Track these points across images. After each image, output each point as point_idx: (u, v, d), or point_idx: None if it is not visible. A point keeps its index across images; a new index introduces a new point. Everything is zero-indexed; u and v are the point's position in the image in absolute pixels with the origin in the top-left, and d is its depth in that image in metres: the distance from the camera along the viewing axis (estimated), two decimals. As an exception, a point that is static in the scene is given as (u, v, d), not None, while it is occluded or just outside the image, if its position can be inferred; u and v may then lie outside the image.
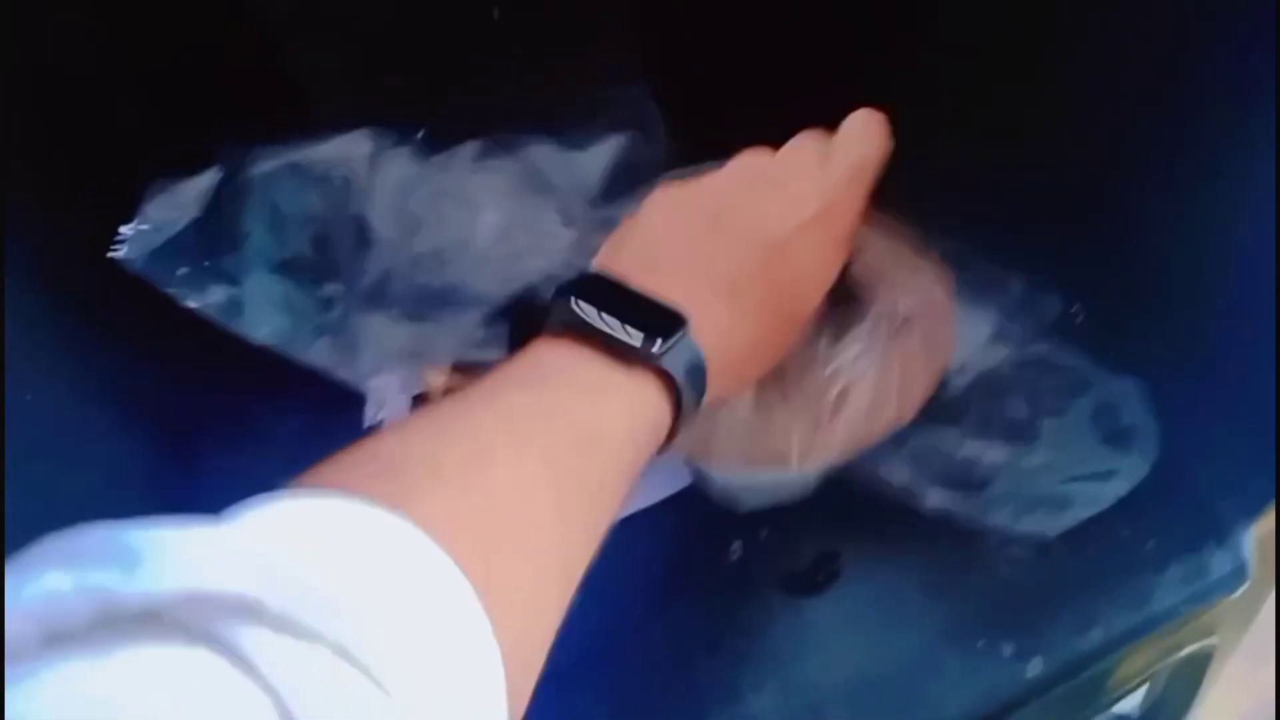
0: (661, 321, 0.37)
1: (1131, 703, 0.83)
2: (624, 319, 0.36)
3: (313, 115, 0.51)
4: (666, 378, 0.37)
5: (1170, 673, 0.63)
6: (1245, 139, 0.45)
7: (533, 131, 0.56)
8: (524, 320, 0.37)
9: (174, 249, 0.42)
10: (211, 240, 0.43)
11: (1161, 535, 0.47)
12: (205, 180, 0.43)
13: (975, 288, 0.52)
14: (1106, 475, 0.46)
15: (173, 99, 0.51)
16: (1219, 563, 0.46)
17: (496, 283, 0.54)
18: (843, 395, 0.47)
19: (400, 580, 0.24)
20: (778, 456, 0.47)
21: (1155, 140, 0.50)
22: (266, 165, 0.45)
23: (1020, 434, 0.49)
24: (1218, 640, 0.52)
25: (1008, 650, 0.44)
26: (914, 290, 0.51)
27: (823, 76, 0.60)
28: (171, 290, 0.44)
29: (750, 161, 0.44)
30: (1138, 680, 0.49)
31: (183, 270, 0.42)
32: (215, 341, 0.43)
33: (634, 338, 0.36)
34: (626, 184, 0.54)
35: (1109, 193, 0.53)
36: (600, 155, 0.56)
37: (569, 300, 0.37)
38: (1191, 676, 0.60)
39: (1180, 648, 0.50)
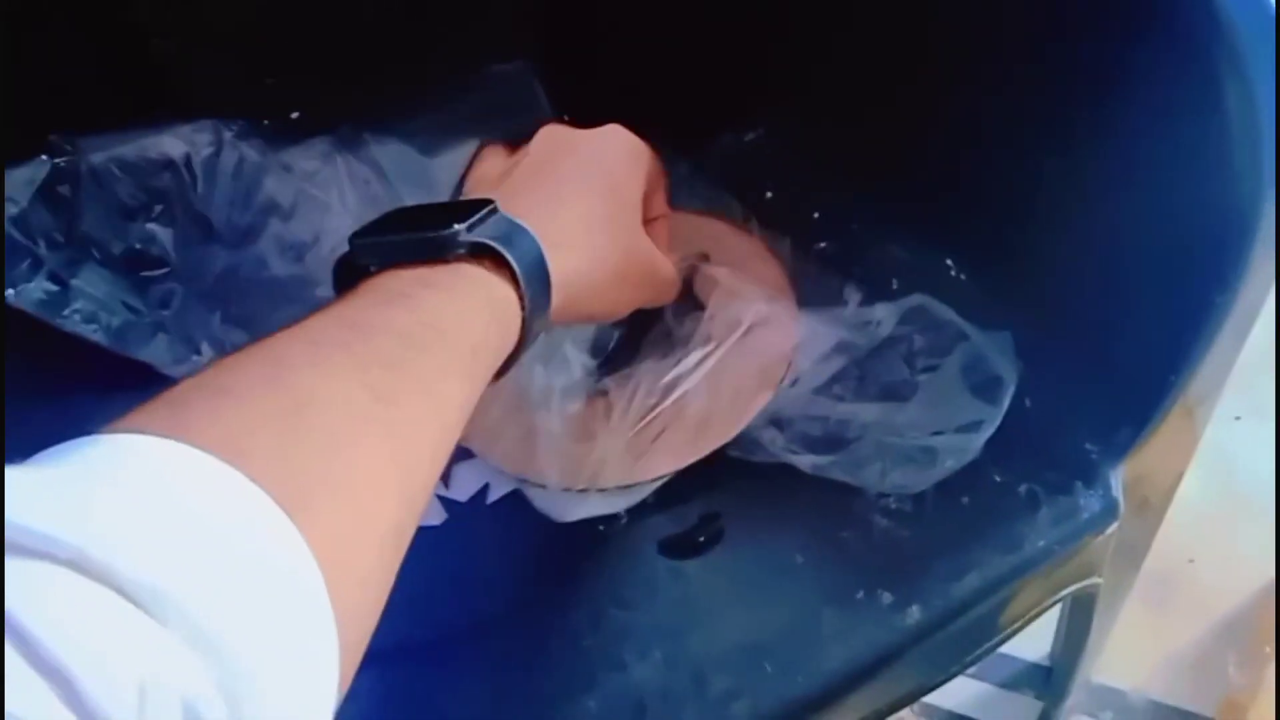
0: (462, 209, 0.36)
1: (1040, 649, 0.85)
2: (422, 226, 0.35)
3: (154, 102, 0.50)
4: (495, 258, 0.35)
5: (1068, 616, 0.64)
6: (1102, 117, 0.47)
7: (397, 119, 0.55)
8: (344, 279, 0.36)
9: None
10: (37, 233, 0.41)
11: (1033, 479, 0.47)
12: (32, 170, 0.42)
13: (818, 298, 0.52)
14: (972, 426, 0.47)
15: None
16: (1089, 503, 0.47)
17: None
18: (668, 413, 0.48)
19: (169, 495, 0.22)
20: (595, 475, 0.47)
21: (1023, 116, 0.51)
22: (101, 155, 0.44)
23: (897, 393, 0.50)
24: (1101, 581, 0.53)
25: (886, 600, 0.45)
26: (754, 301, 0.51)
27: (706, 57, 0.60)
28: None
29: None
30: (1023, 621, 0.49)
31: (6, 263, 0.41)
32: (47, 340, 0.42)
33: (436, 231, 0.35)
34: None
35: (984, 163, 0.54)
36: (455, 159, 0.55)
37: (363, 239, 0.36)
38: (1085, 617, 0.61)
39: (1063, 588, 0.50)
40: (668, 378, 0.48)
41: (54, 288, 0.42)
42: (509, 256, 0.35)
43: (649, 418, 0.48)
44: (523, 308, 0.36)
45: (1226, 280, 0.42)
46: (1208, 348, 0.44)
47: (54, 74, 0.46)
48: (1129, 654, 0.88)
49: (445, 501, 0.53)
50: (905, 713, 0.88)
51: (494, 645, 0.47)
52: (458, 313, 0.33)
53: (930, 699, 0.88)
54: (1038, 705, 0.85)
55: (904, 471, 0.47)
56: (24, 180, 0.41)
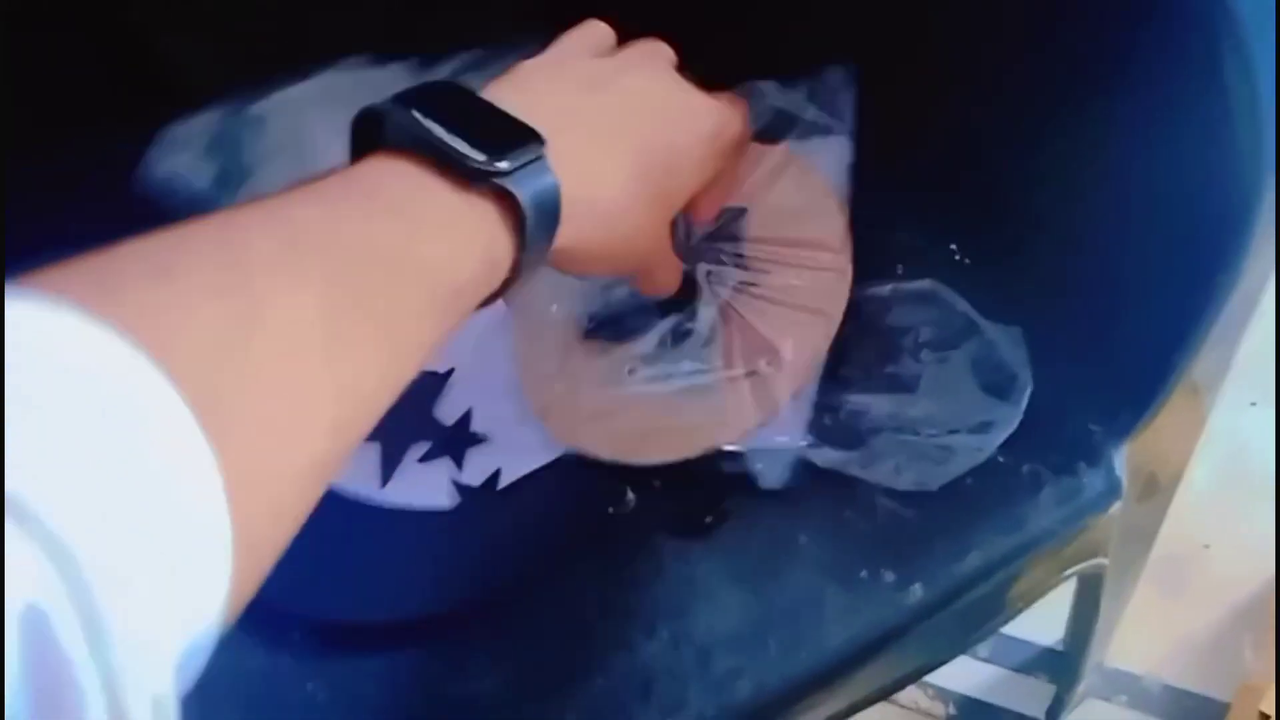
0: (513, 139, 0.33)
1: (1055, 634, 0.85)
2: (469, 132, 0.32)
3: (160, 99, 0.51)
4: (510, 204, 0.33)
5: (1074, 599, 0.65)
6: (1101, 101, 0.47)
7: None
8: (366, 134, 0.33)
9: (182, 182, 0.46)
10: (218, 173, 0.47)
11: (1036, 460, 0.48)
12: (208, 119, 0.47)
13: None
14: (985, 426, 0.47)
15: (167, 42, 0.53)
16: (1092, 483, 0.47)
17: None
18: (645, 406, 0.49)
19: (70, 387, 0.20)
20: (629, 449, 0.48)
21: (1023, 102, 0.51)
22: (268, 102, 0.48)
23: (903, 384, 0.50)
24: (1107, 562, 0.53)
25: (889, 579, 0.45)
26: (770, 341, 0.49)
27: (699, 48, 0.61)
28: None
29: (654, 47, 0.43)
30: (1027, 602, 0.50)
31: (189, 199, 0.46)
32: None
33: (477, 154, 0.32)
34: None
35: (986, 149, 0.54)
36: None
37: (407, 108, 0.32)
38: (1092, 599, 0.62)
39: (1068, 568, 0.51)
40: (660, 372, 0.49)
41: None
42: (530, 217, 0.33)
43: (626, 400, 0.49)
44: (521, 248, 0.34)
45: (1228, 260, 0.42)
46: (1211, 327, 0.44)
47: (56, 73, 0.48)
48: (1144, 639, 0.88)
49: (458, 486, 0.54)
50: (920, 697, 0.89)
51: (504, 626, 0.48)
52: (451, 248, 0.31)
53: (945, 683, 0.89)
54: (1051, 689, 0.85)
55: (919, 469, 0.48)
56: (201, 129, 0.47)
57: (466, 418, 0.55)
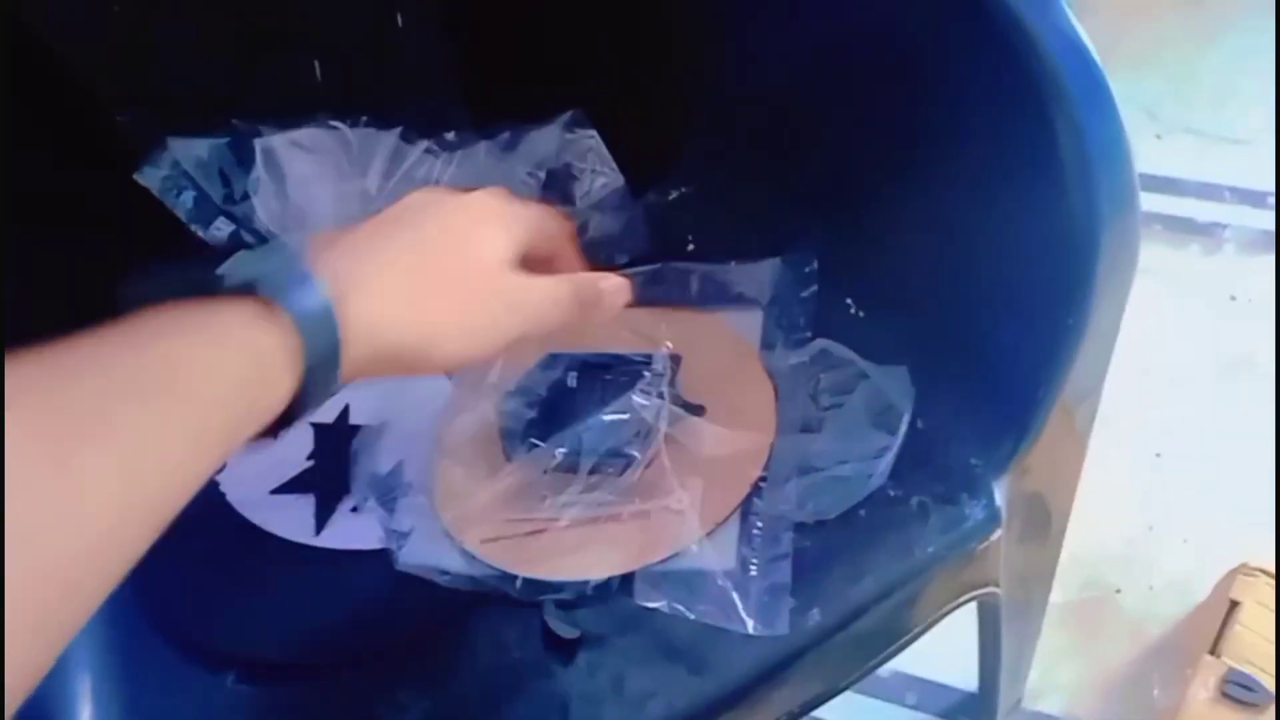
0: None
1: (970, 680, 0.89)
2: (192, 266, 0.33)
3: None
4: (264, 301, 0.32)
5: (979, 632, 0.68)
6: (962, 172, 0.53)
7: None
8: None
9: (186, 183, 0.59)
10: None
11: (923, 492, 0.52)
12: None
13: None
14: (874, 455, 0.52)
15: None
16: (974, 512, 0.51)
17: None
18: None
19: None
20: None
21: (899, 179, 0.57)
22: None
23: (807, 427, 0.55)
24: (999, 591, 0.57)
25: (789, 605, 0.49)
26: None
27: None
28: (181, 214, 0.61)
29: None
30: (924, 626, 0.53)
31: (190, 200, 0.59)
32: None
33: (198, 270, 0.33)
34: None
35: (871, 218, 0.60)
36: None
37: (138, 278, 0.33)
38: (993, 629, 0.65)
39: (960, 594, 0.54)
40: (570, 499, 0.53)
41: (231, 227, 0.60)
42: (279, 300, 0.33)
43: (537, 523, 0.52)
44: (304, 355, 0.33)
45: (1074, 303, 0.47)
46: (1069, 363, 0.49)
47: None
48: (1060, 681, 0.92)
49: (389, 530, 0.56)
50: (850, 745, 0.91)
51: (432, 658, 0.50)
52: (197, 359, 0.30)
53: (874, 731, 0.91)
54: (975, 733, 0.88)
55: (818, 501, 0.52)
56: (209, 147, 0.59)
57: (399, 468, 0.58)
